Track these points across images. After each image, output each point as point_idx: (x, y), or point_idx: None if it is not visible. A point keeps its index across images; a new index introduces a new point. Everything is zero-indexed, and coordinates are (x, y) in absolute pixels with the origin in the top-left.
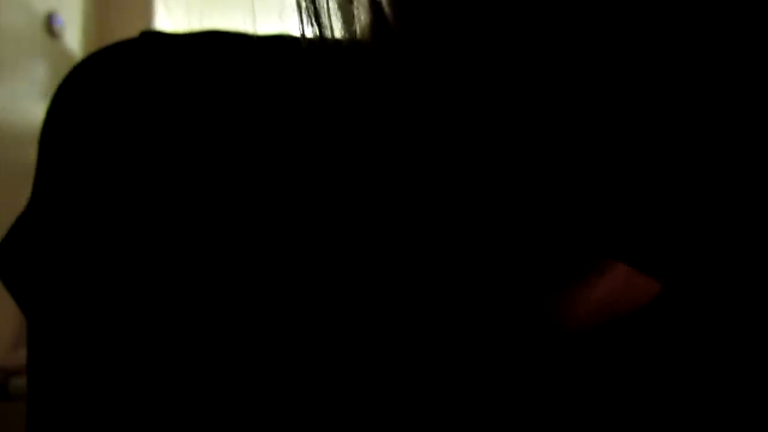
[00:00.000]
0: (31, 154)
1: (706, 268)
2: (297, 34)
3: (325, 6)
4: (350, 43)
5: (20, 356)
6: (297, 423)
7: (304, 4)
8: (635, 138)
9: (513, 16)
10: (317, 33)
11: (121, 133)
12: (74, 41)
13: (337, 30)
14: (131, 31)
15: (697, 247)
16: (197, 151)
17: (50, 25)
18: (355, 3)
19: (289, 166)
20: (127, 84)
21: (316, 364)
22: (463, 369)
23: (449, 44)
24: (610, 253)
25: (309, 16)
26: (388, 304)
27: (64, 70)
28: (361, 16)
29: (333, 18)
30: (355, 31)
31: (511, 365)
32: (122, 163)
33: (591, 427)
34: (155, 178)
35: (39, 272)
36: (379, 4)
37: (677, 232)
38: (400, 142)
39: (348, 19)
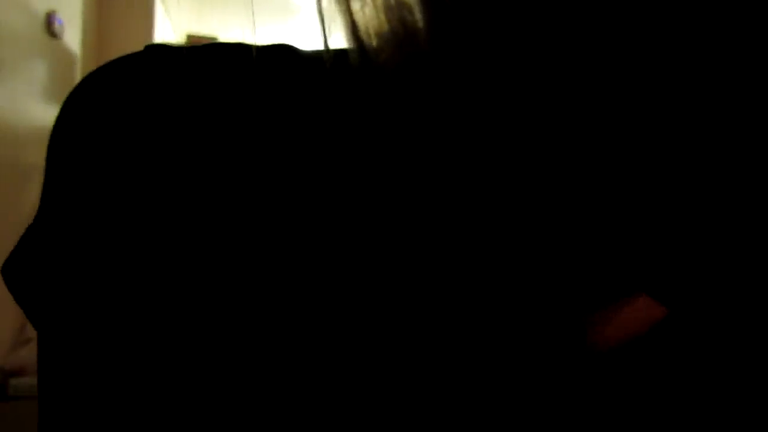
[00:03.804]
0: (30, 153)
1: (719, 304)
2: (303, 37)
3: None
4: (371, 53)
5: (19, 357)
6: (297, 423)
7: (338, 5)
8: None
9: (540, 34)
10: (351, 33)
11: (129, 146)
12: (74, 41)
13: (372, 39)
14: (131, 31)
15: (710, 283)
16: (206, 162)
17: (50, 25)
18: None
19: (296, 173)
20: (134, 97)
21: (318, 363)
22: (483, 385)
23: (483, 58)
24: (632, 282)
25: (343, 16)
26: (401, 306)
27: (64, 70)
28: (392, 26)
29: (370, 28)
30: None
31: (536, 383)
32: (130, 175)
33: None
34: (163, 188)
35: (48, 284)
36: (411, 19)
37: (693, 265)
38: (417, 152)
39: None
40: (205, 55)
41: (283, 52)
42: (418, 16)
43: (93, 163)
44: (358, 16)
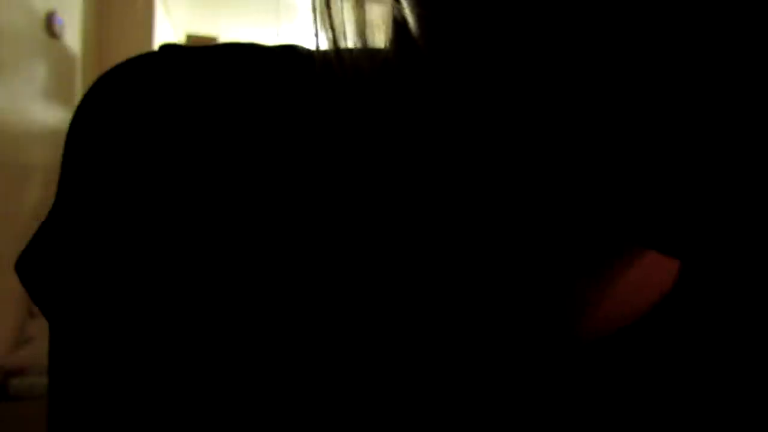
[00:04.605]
0: (30, 153)
1: (726, 247)
2: (303, 38)
3: (340, 9)
4: (366, 52)
5: (20, 356)
6: (297, 423)
7: (318, 7)
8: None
9: (535, 29)
10: (331, 37)
11: (145, 145)
12: (74, 41)
13: (350, 34)
14: (131, 31)
15: (715, 226)
16: (221, 162)
17: (50, 25)
18: (367, 8)
19: (305, 174)
20: (150, 97)
21: (318, 364)
22: (471, 374)
23: (479, 56)
24: (633, 237)
25: (323, 19)
26: (394, 302)
27: (64, 70)
28: (374, 20)
29: (346, 22)
30: (368, 36)
31: (523, 373)
32: (145, 173)
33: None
34: (176, 187)
35: (62, 279)
36: (402, 19)
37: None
38: (413, 148)
39: (361, 24)
40: (219, 56)
41: (294, 53)
42: (411, 16)
43: (109, 161)
44: (340, 18)
